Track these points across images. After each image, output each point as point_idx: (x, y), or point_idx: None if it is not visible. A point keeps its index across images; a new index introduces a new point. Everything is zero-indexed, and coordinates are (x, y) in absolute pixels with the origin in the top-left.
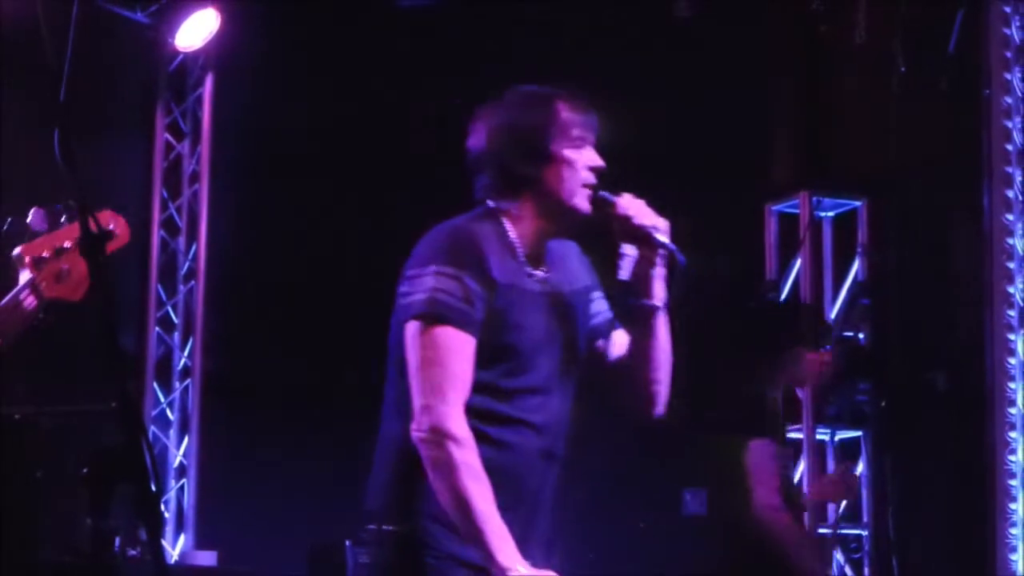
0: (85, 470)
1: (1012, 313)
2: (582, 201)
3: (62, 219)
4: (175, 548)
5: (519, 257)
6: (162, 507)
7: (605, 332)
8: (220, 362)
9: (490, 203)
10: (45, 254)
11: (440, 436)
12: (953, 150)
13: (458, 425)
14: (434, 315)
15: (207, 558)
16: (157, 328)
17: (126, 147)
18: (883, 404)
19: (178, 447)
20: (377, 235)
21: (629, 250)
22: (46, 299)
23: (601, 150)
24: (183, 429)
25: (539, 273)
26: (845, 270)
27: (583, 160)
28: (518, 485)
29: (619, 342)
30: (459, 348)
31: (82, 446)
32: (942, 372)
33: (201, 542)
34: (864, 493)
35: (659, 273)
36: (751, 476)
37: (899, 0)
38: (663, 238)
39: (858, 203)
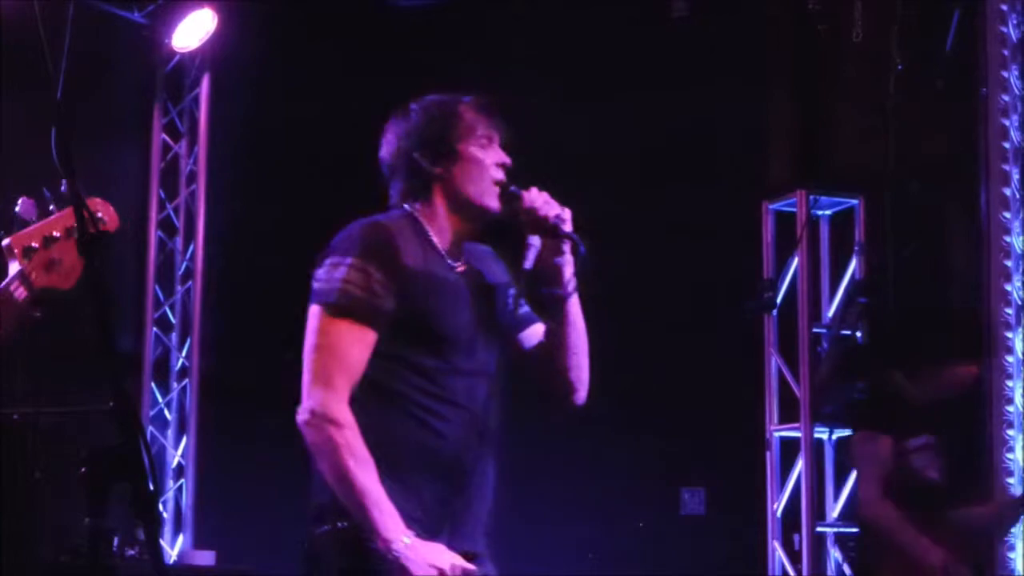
0: (83, 469)
1: (1009, 311)
2: (491, 199)
3: (51, 207)
4: (174, 548)
5: (438, 250)
6: (160, 507)
7: (524, 323)
8: (218, 362)
9: (406, 206)
10: (34, 244)
11: (320, 419)
12: (950, 148)
13: (338, 409)
14: (335, 305)
15: (205, 558)
16: (155, 328)
17: (123, 147)
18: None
19: (176, 447)
20: None
21: (535, 241)
22: (37, 289)
23: (510, 148)
24: (181, 429)
25: (458, 266)
26: (842, 268)
27: (490, 158)
28: (451, 465)
29: (537, 332)
30: (353, 337)
31: (80, 446)
32: None
33: (199, 542)
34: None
35: (567, 261)
36: (856, 470)
37: None
38: (567, 228)
39: (855, 201)
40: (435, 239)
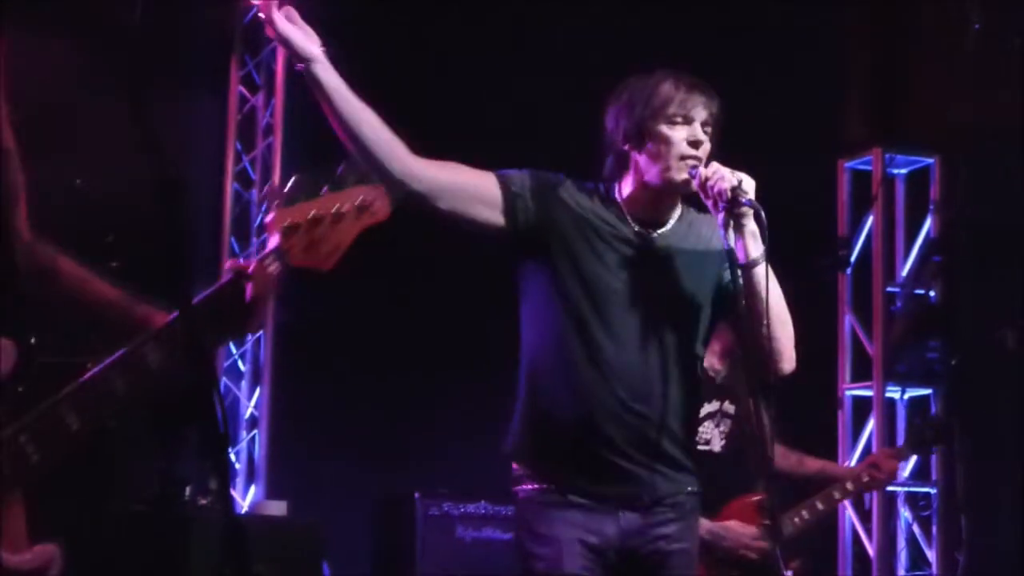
0: (154, 413)
1: None
2: (678, 173)
3: (323, 189)
4: (246, 498)
5: (622, 212)
6: (231, 454)
7: (730, 292)
8: (292, 313)
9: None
10: (299, 222)
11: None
12: None
13: (418, 163)
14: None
15: (277, 508)
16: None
17: (200, 100)
18: (953, 362)
19: (249, 398)
20: None
21: (719, 216)
22: (292, 267)
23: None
24: (255, 380)
25: (648, 232)
26: (917, 227)
27: (680, 136)
28: (590, 429)
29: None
30: (479, 172)
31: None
32: (1013, 330)
33: (272, 492)
34: (933, 450)
35: (750, 232)
36: None
37: None
38: (744, 196)
39: (931, 160)
40: (624, 205)
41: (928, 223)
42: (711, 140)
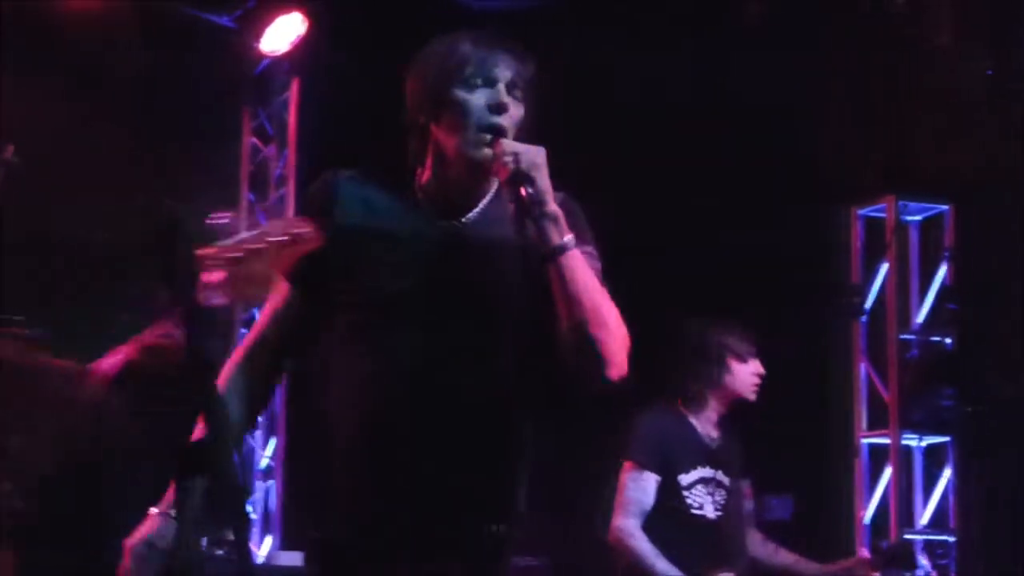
0: (173, 468)
1: None
2: (477, 147)
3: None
4: (261, 549)
5: (416, 202)
6: (250, 507)
7: (541, 286)
8: (307, 363)
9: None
10: (238, 255)
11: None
12: None
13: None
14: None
15: (292, 558)
16: (243, 330)
17: (213, 151)
18: (969, 410)
19: (264, 448)
20: None
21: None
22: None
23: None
24: (269, 430)
25: (447, 220)
26: (931, 275)
27: (479, 101)
28: (352, 460)
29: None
30: (274, 297)
31: (168, 447)
32: (1007, 378)
33: (287, 543)
34: (951, 499)
35: (551, 214)
36: (617, 494)
37: (985, 1)
38: (524, 187)
39: (945, 207)
40: (420, 191)
41: (942, 270)
42: (523, 106)
